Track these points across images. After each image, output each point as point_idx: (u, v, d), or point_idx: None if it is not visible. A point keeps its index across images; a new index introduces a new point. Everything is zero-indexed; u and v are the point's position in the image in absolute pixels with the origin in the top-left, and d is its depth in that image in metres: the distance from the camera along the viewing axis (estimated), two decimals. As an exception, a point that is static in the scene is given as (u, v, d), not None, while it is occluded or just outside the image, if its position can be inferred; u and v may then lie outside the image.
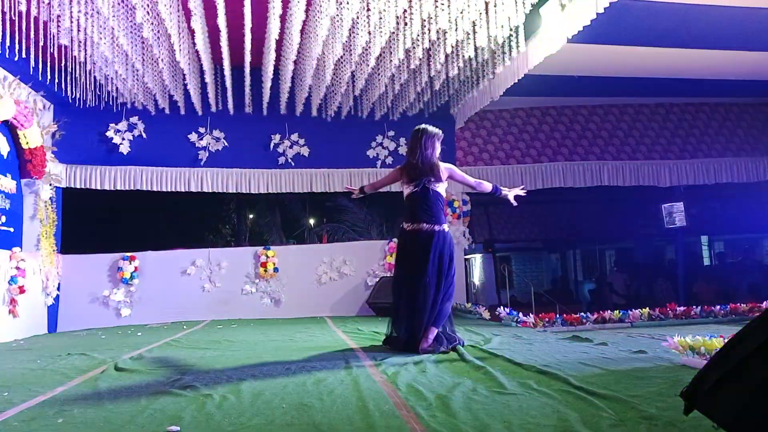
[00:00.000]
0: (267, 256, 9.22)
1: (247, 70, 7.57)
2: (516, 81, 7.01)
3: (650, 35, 6.59)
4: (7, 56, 5.55)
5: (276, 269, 9.21)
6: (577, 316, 6.31)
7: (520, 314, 6.62)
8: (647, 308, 6.42)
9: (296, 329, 6.68)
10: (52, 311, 8.27)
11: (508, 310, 6.92)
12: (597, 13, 5.13)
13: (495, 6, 5.43)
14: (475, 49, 6.30)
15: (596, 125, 10.03)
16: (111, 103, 8.06)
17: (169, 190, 8.87)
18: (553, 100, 9.70)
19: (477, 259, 15.03)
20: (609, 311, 6.35)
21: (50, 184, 8.09)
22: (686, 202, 9.96)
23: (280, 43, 6.79)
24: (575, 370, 3.31)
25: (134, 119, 8.78)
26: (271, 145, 9.28)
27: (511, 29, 5.76)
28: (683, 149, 10.08)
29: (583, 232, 14.24)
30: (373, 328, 6.26)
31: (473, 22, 5.79)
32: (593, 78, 8.15)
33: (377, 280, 9.24)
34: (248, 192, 9.29)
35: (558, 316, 6.34)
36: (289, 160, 9.31)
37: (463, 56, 6.49)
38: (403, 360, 3.87)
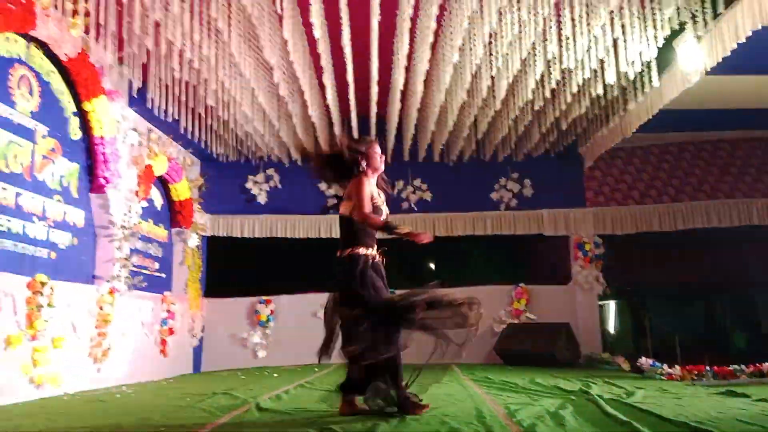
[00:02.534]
0: (392, 301, 9.31)
1: (373, 120, 7.87)
2: (649, 117, 6.69)
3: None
4: (162, 118, 6.19)
5: (401, 314, 9.26)
6: (730, 368, 5.74)
7: (665, 366, 6.13)
8: (816, 361, 5.69)
9: (423, 376, 6.61)
10: (197, 352, 8.86)
11: (651, 361, 6.43)
12: (738, 43, 4.80)
13: (624, 42, 5.26)
14: (604, 86, 6.12)
15: (741, 160, 9.24)
16: (250, 157, 8.71)
17: (300, 236, 9.32)
18: (691, 135, 9.11)
19: (611, 306, 14.19)
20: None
21: (197, 233, 8.80)
22: None
23: (404, 93, 7.01)
24: (733, 429, 2.99)
25: (270, 171, 9.39)
26: (395, 191, 9.49)
27: (642, 64, 5.55)
28: None
29: (731, 276, 12.99)
30: (503, 377, 6.07)
31: (601, 60, 5.64)
32: (735, 111, 7.56)
33: (504, 326, 9.00)
34: (374, 237, 9.49)
35: (708, 368, 5.80)
36: (413, 205, 9.45)
37: (591, 94, 6.33)
38: (537, 412, 3.70)
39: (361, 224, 3.73)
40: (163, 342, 7.61)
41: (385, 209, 3.92)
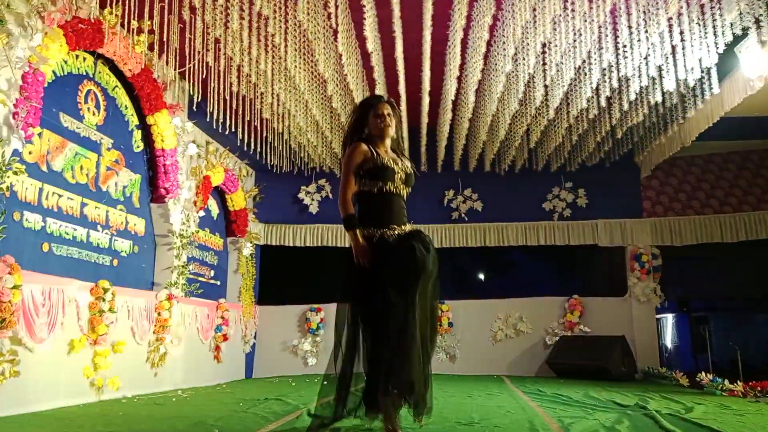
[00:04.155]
0: (441, 311, 9.27)
1: (424, 130, 7.89)
2: (710, 125, 6.49)
3: None
4: (219, 131, 6.38)
5: (450, 324, 9.22)
6: (797, 386, 5.48)
7: (726, 381, 5.91)
8: None
9: (473, 387, 6.57)
10: (249, 358, 9.04)
11: (711, 376, 6.20)
12: (807, 46, 4.62)
13: (683, 49, 5.14)
14: (663, 94, 5.98)
15: (809, 168, 8.84)
16: (302, 168, 8.87)
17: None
18: (755, 143, 8.76)
19: (669, 320, 13.75)
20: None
21: (251, 242, 9.01)
22: None
23: (455, 103, 7.01)
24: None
25: (322, 181, 9.54)
26: (445, 200, 9.47)
27: (702, 71, 5.39)
28: None
29: (799, 289, 12.37)
30: (556, 390, 5.95)
31: (659, 67, 5.52)
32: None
33: (557, 339, 8.84)
34: (424, 247, 9.47)
35: (772, 384, 5.56)
36: (463, 215, 9.41)
37: (649, 102, 6.19)
38: (591, 426, 3.62)
39: (365, 199, 3.26)
40: (217, 348, 7.80)
41: (400, 168, 3.30)
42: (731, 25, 4.74)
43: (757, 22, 4.53)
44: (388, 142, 3.34)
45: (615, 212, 9.19)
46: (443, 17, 5.34)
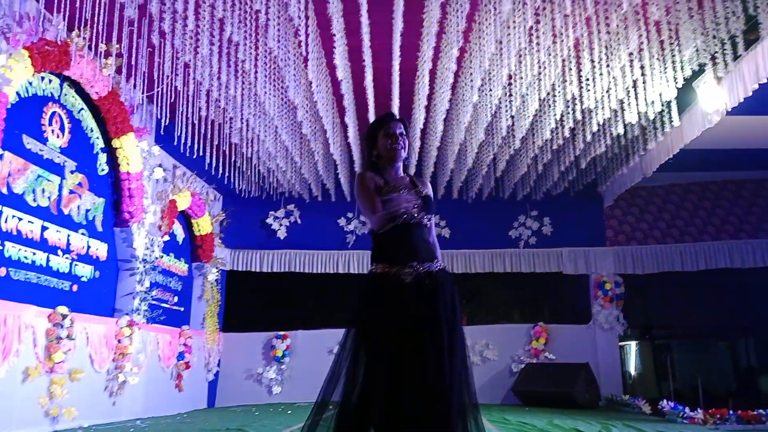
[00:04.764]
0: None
1: (393, 158, 7.95)
2: (670, 156, 6.69)
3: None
4: (187, 155, 6.31)
5: (419, 351, 9.18)
6: (755, 413, 5.59)
7: (687, 409, 6.00)
8: None
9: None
10: (212, 386, 8.83)
11: (672, 404, 6.29)
12: (759, 84, 4.83)
13: (644, 83, 5.32)
14: (624, 126, 6.16)
15: (764, 200, 9.15)
16: (271, 192, 8.83)
17: (318, 272, 9.34)
18: (713, 175, 9.06)
19: (632, 347, 13.92)
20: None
21: (216, 267, 8.87)
22: None
23: (424, 132, 7.10)
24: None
25: (291, 207, 9.51)
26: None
27: (662, 105, 5.58)
28: None
29: (757, 317, 12.70)
30: (521, 418, 5.97)
31: (621, 100, 5.69)
32: (757, 150, 7.54)
33: (522, 366, 8.87)
34: (392, 274, 9.47)
35: (731, 412, 5.67)
36: (431, 242, 9.44)
37: (612, 133, 6.36)
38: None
39: (381, 231, 2.79)
40: (179, 376, 7.61)
41: (415, 192, 2.84)
42: (689, 60, 4.93)
43: (713, 58, 4.72)
44: (399, 165, 2.90)
45: (579, 240, 9.35)
46: (412, 48, 5.43)
